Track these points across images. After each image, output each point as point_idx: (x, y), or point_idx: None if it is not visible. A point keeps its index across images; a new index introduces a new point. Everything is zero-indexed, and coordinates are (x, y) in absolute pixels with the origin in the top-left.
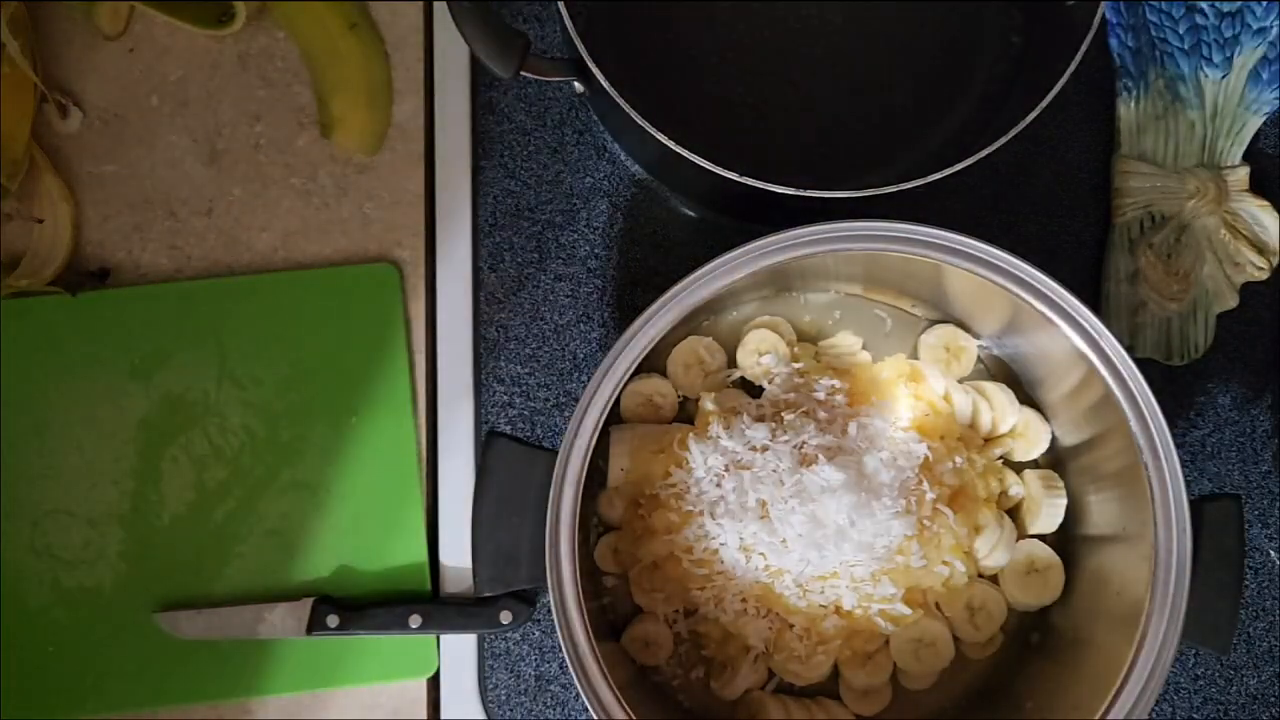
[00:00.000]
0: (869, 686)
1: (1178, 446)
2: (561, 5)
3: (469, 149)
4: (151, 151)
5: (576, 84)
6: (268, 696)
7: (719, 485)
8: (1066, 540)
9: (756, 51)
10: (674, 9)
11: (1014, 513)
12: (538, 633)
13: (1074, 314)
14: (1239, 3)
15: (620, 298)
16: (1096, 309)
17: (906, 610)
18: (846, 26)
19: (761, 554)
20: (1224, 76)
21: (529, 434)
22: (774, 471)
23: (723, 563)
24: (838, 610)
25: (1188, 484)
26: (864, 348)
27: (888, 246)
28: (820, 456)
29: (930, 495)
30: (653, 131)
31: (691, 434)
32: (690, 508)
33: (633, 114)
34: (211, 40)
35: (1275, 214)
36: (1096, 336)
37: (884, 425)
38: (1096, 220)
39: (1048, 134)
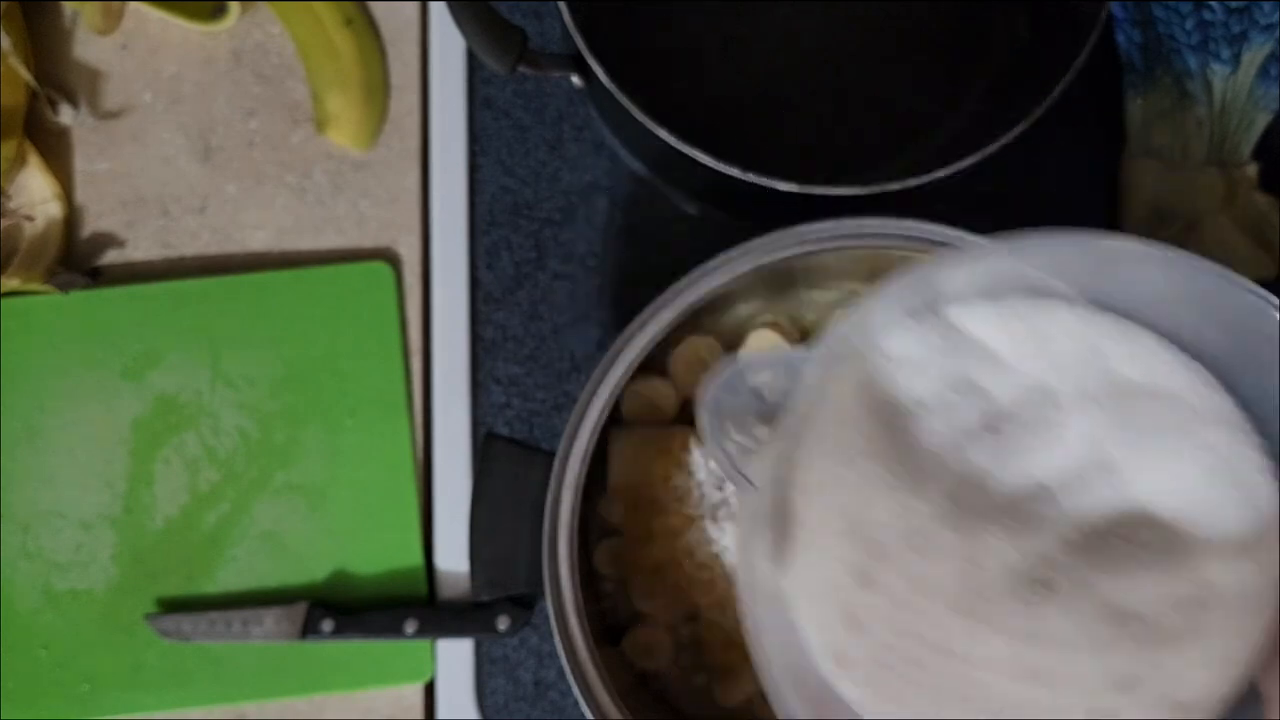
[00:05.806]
0: None
1: None
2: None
3: (465, 145)
4: (144, 148)
5: (575, 79)
6: (261, 701)
7: (720, 489)
8: None
9: (759, 46)
10: (674, 3)
11: None
12: (535, 638)
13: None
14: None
15: (620, 297)
16: None
17: None
18: (850, 21)
19: None
20: (1232, 73)
21: (527, 436)
22: None
23: (724, 567)
24: None
25: None
26: None
27: (892, 244)
28: None
29: None
30: (653, 127)
31: (693, 436)
32: (691, 511)
33: (633, 109)
34: (205, 36)
35: None
36: None
37: None
38: (1104, 218)
39: (1054, 131)
